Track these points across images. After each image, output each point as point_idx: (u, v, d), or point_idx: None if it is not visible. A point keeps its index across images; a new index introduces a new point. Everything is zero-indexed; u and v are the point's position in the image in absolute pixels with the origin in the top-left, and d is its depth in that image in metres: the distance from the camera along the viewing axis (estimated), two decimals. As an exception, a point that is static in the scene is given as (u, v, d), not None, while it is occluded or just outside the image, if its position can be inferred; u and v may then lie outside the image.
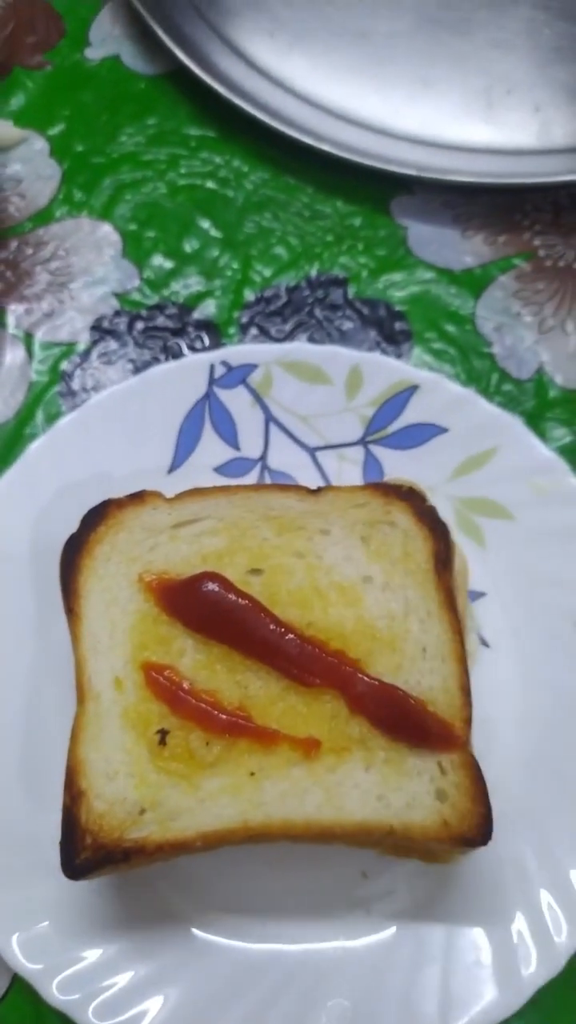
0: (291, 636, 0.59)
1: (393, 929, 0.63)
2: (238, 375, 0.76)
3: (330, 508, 0.64)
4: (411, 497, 0.64)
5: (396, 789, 0.57)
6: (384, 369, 0.75)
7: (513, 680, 0.69)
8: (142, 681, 0.59)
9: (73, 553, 0.62)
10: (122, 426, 0.74)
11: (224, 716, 0.58)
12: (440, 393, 0.74)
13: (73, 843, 0.55)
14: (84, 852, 0.55)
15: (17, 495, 0.72)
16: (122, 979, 0.61)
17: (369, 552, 0.62)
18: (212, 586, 0.60)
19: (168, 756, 0.57)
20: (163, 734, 0.58)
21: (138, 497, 0.64)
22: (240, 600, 0.60)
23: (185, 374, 0.76)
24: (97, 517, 0.63)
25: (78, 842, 0.55)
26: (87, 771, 0.57)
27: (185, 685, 0.59)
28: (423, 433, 0.74)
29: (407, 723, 0.57)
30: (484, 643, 0.70)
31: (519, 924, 0.62)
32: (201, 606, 0.60)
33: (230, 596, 0.60)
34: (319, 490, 0.65)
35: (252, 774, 0.57)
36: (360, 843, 0.60)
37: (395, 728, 0.57)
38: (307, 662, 0.58)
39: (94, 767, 0.57)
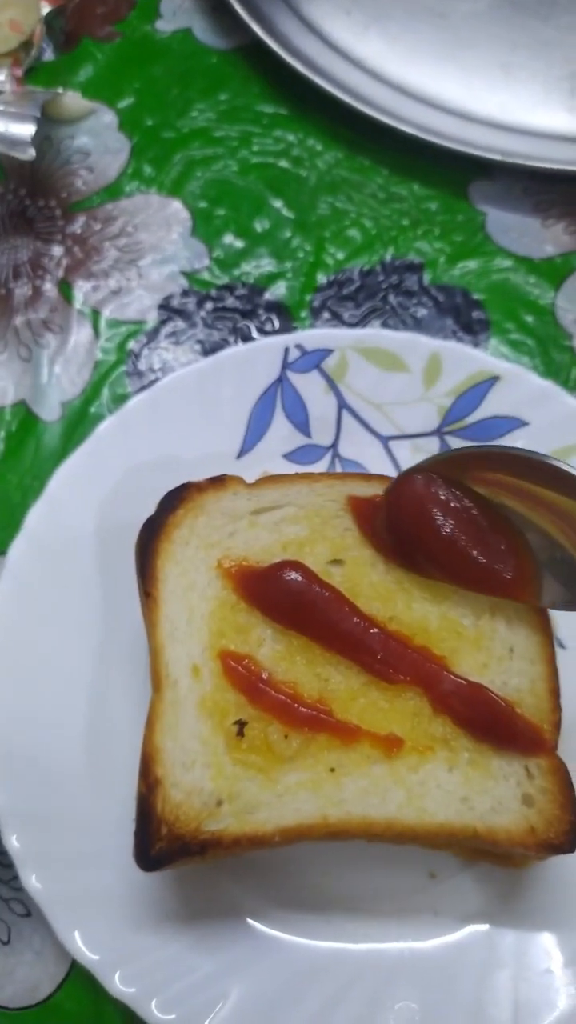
0: (375, 630, 0.57)
1: (462, 931, 0.62)
2: (313, 359, 0.74)
3: (415, 499, 0.62)
4: (501, 491, 0.61)
5: (481, 792, 0.55)
6: (464, 358, 0.73)
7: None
8: (220, 670, 0.57)
9: (151, 536, 0.60)
10: (193, 408, 0.73)
11: (304, 709, 0.56)
12: (522, 385, 0.72)
13: (148, 833, 0.54)
14: (159, 843, 0.54)
15: (85, 474, 0.70)
16: (187, 973, 0.60)
17: (455, 546, 0.60)
18: (294, 575, 0.58)
19: (246, 748, 0.56)
20: (241, 725, 0.56)
21: (218, 481, 0.63)
22: (323, 591, 0.58)
23: (259, 357, 0.74)
24: (176, 500, 0.62)
25: (154, 832, 0.54)
26: (163, 759, 0.55)
27: (264, 675, 0.57)
28: (502, 426, 0.72)
29: (494, 724, 0.56)
30: (561, 645, 0.68)
31: (593, 932, 0.60)
32: (282, 596, 0.58)
33: (313, 587, 0.58)
34: (404, 481, 0.63)
35: (332, 770, 0.55)
36: (437, 845, 0.59)
37: (481, 729, 0.56)
38: (391, 658, 0.57)
39: (171, 756, 0.56)
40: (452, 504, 0.58)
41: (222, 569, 0.60)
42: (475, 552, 0.57)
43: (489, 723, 0.56)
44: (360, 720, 0.56)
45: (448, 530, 0.57)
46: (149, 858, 0.54)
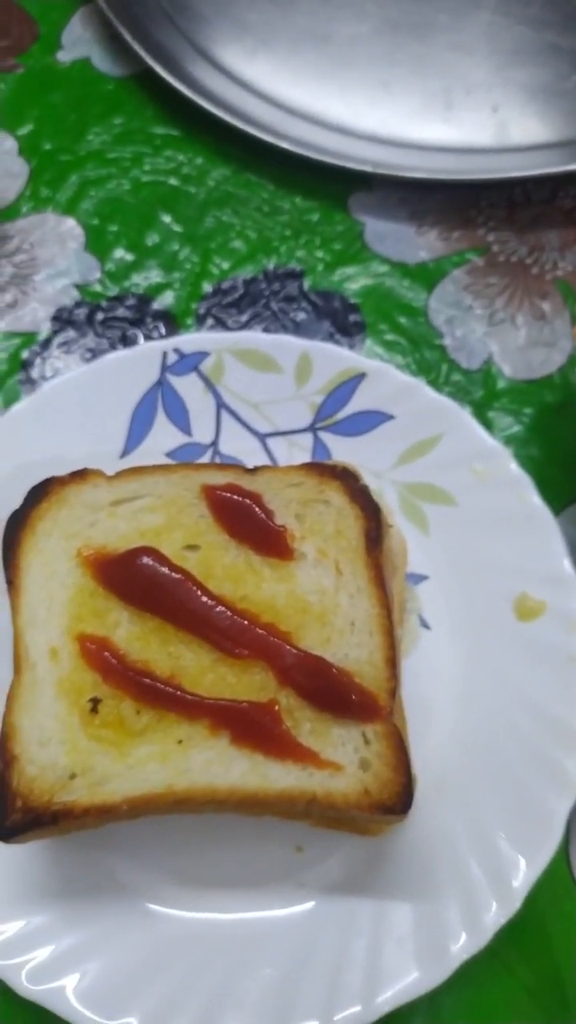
0: (221, 608, 0.60)
1: (323, 901, 0.64)
2: (190, 362, 0.77)
3: (266, 487, 0.65)
4: (344, 476, 0.65)
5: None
6: (332, 357, 0.76)
7: (453, 661, 0.70)
8: (77, 652, 0.60)
9: (15, 528, 0.64)
10: (76, 411, 0.76)
11: (150, 683, 0.59)
12: (387, 381, 0.75)
13: (4, 806, 0.57)
14: (14, 815, 0.56)
15: (-27, 475, 0.74)
16: (58, 945, 0.62)
17: (303, 529, 0.64)
18: (147, 560, 0.62)
19: (99, 724, 0.59)
20: (95, 702, 0.59)
21: (80, 475, 0.66)
22: (173, 573, 0.61)
23: (138, 361, 0.77)
24: (40, 494, 0.65)
25: (9, 805, 0.57)
26: (20, 737, 0.58)
27: (118, 655, 0.60)
28: (370, 420, 0.76)
29: (332, 693, 0.59)
30: (425, 625, 0.71)
31: (448, 900, 0.62)
32: (135, 579, 0.62)
33: (163, 569, 0.61)
34: (256, 469, 0.66)
35: (180, 742, 0.58)
36: (286, 813, 0.61)
37: (320, 698, 0.59)
38: (236, 634, 0.60)
39: (27, 734, 0.58)
40: None
41: (81, 557, 0.63)
42: None
43: (328, 693, 0.59)
44: (209, 694, 0.59)
45: None
46: (5, 829, 0.57)
